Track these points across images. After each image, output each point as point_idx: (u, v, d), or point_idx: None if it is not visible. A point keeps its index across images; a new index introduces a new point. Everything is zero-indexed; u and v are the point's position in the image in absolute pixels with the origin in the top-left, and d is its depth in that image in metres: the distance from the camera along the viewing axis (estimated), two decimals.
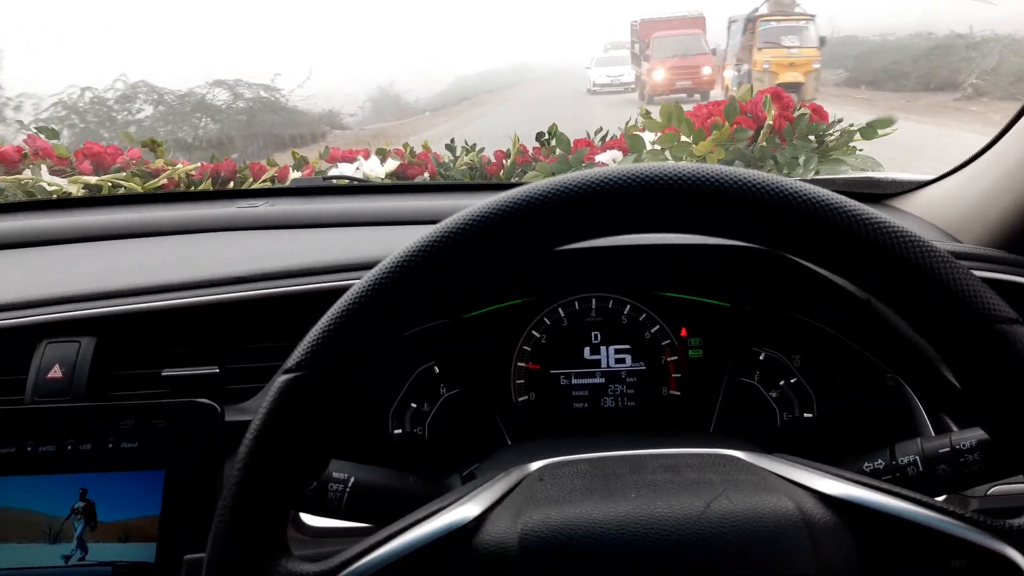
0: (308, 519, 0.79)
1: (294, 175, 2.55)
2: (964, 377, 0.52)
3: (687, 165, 0.52)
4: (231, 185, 2.50)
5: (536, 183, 0.53)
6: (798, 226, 0.51)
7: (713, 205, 0.51)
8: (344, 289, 0.85)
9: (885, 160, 1.62)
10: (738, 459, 0.58)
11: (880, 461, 0.65)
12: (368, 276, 0.53)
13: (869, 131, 1.57)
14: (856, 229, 0.50)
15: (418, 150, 2.66)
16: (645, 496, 0.53)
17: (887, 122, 1.56)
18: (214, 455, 0.73)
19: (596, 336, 0.97)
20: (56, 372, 0.79)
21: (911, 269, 0.50)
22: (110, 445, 0.74)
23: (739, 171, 0.52)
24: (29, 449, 0.74)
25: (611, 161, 2.07)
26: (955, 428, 0.81)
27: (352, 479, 0.65)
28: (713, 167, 0.52)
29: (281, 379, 0.52)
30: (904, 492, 0.52)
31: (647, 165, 0.52)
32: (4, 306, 0.84)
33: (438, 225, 0.53)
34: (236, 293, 0.85)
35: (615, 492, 0.54)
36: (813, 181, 1.32)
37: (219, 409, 0.75)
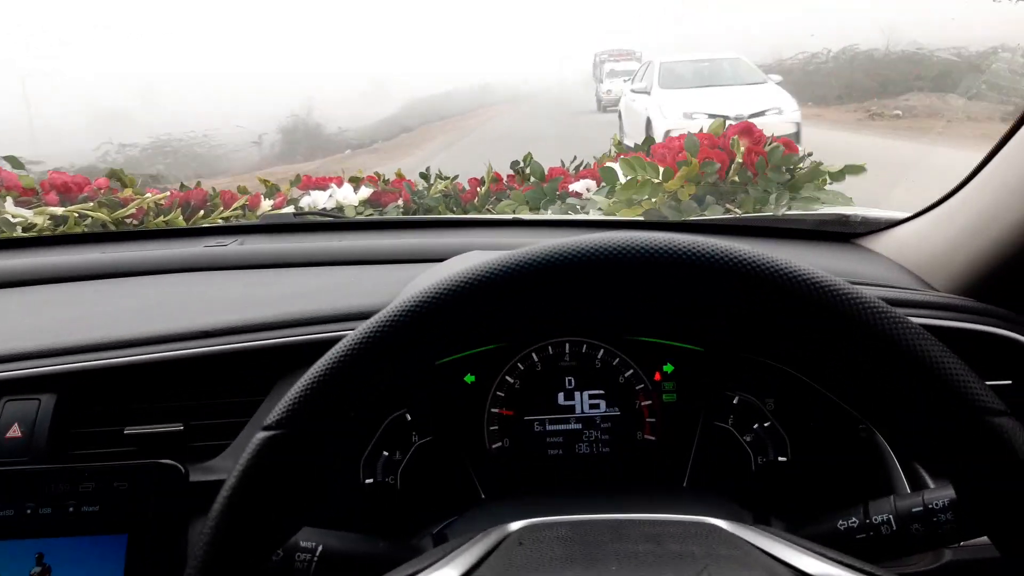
0: None
1: (265, 203, 2.53)
2: (950, 464, 0.53)
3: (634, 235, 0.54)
4: (201, 213, 2.48)
5: (498, 256, 0.55)
6: (793, 309, 0.54)
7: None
8: (314, 344, 0.84)
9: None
10: (721, 530, 0.57)
11: (854, 519, 0.65)
12: (351, 336, 0.54)
13: (839, 176, 1.59)
14: (848, 308, 0.52)
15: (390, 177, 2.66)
16: (627, 568, 0.52)
17: (857, 169, 1.59)
18: (178, 517, 0.72)
19: (570, 381, 0.96)
20: (15, 432, 0.77)
21: (901, 356, 0.51)
22: (71, 509, 0.72)
23: (729, 247, 0.54)
24: None
25: (585, 190, 2.08)
26: (929, 480, 0.81)
27: (320, 547, 0.63)
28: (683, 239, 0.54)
29: (260, 436, 0.52)
30: (882, 574, 0.52)
31: (585, 239, 0.54)
32: None
33: (424, 288, 0.54)
34: (201, 348, 0.83)
35: (596, 561, 0.53)
36: (785, 218, 1.34)
37: (183, 469, 0.73)
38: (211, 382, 0.83)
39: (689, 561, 0.52)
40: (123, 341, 0.83)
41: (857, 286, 0.53)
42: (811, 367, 0.90)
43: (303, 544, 0.63)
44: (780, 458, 0.92)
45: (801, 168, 1.61)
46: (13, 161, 2.45)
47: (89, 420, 0.81)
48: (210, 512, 0.51)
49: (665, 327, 0.96)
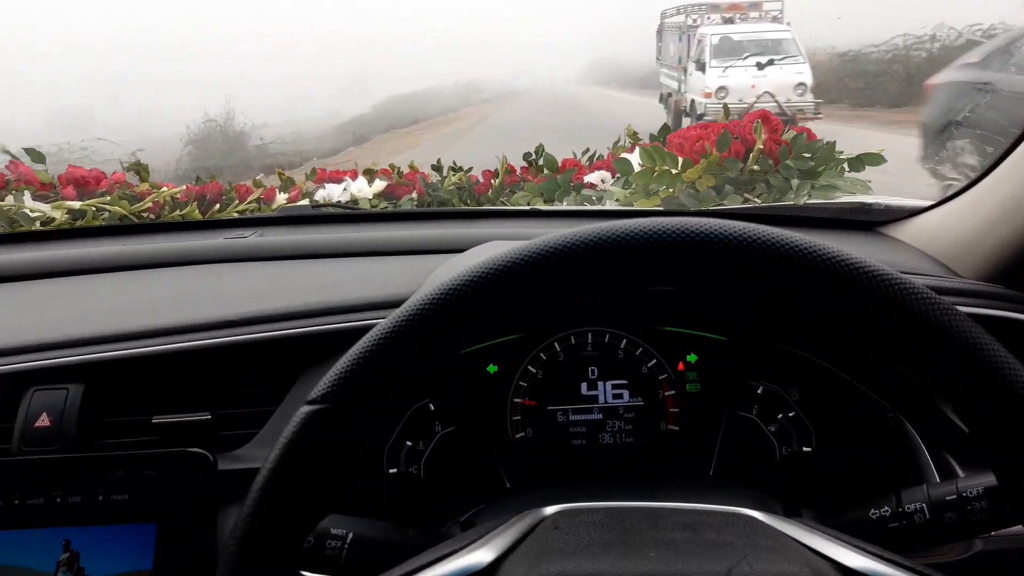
0: None
1: (280, 197, 2.53)
2: (992, 452, 0.53)
3: (672, 221, 0.55)
4: (217, 207, 2.48)
5: (552, 235, 0.55)
6: (829, 290, 0.53)
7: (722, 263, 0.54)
8: (340, 333, 0.84)
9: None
10: (759, 521, 0.57)
11: (887, 508, 0.64)
12: (395, 315, 0.55)
13: (857, 163, 1.58)
14: (893, 297, 0.52)
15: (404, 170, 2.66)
16: (665, 556, 0.52)
17: (877, 158, 1.57)
18: (207, 506, 0.72)
19: (593, 371, 0.96)
20: (44, 421, 0.77)
21: (939, 335, 0.51)
22: (100, 497, 0.72)
23: (759, 230, 0.54)
24: (16, 502, 0.72)
25: (599, 181, 2.07)
26: (958, 469, 0.80)
27: (350, 535, 0.63)
28: (714, 223, 0.54)
29: (305, 410, 0.54)
30: (924, 570, 0.51)
31: (632, 223, 0.55)
32: None
33: (461, 271, 0.55)
34: (227, 338, 0.83)
35: (634, 548, 0.53)
36: (806, 207, 1.33)
37: (212, 458, 0.74)
38: (238, 372, 0.83)
39: (728, 550, 0.52)
40: (149, 331, 0.84)
41: (903, 275, 0.53)
42: (841, 355, 0.89)
43: (334, 531, 0.63)
44: (805, 448, 0.92)
45: (821, 151, 1.59)
46: (33, 154, 2.46)
47: (117, 409, 0.81)
48: (252, 486, 0.53)
49: (689, 317, 0.95)
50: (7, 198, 2.29)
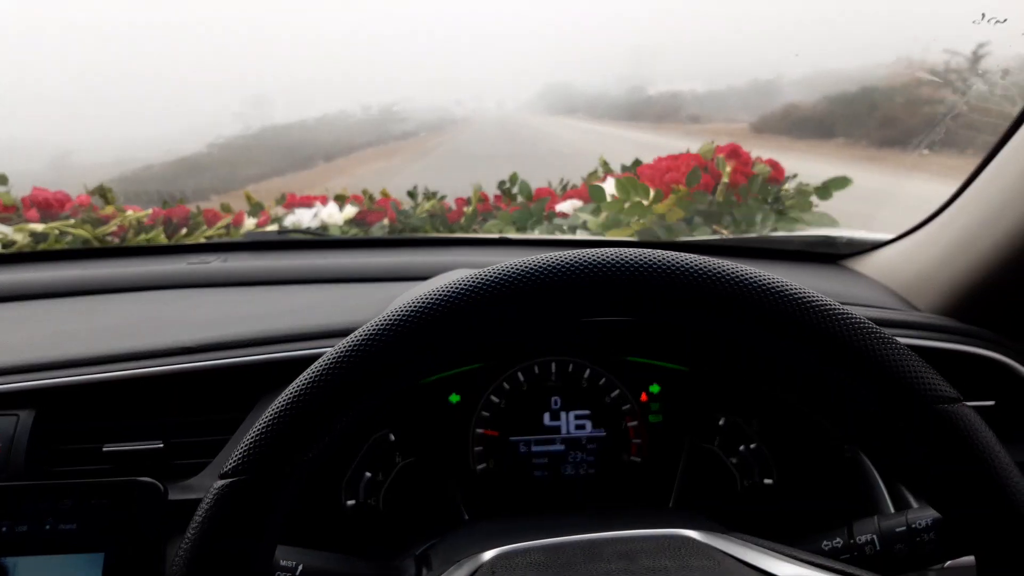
0: None
1: (249, 221, 2.51)
2: (910, 458, 0.52)
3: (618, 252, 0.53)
4: (184, 231, 2.46)
5: (499, 267, 0.53)
6: (752, 316, 0.51)
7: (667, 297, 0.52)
8: (296, 360, 0.83)
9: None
10: (694, 541, 0.58)
11: (838, 540, 0.65)
12: (305, 375, 0.52)
13: (824, 191, 1.61)
14: (797, 311, 0.51)
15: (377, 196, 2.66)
16: None
17: (842, 182, 1.60)
18: (156, 536, 0.70)
19: (556, 401, 0.95)
20: None
21: (853, 351, 0.50)
22: (48, 527, 0.70)
23: (693, 260, 0.53)
24: None
25: (571, 210, 2.08)
26: (913, 501, 0.81)
27: (300, 566, 0.62)
28: (663, 255, 0.53)
29: (219, 484, 0.50)
30: (856, 573, 0.52)
31: (582, 253, 0.53)
32: None
33: (379, 318, 0.52)
34: (181, 365, 0.82)
35: None
36: (771, 239, 1.35)
37: (162, 488, 0.72)
38: (192, 399, 0.82)
39: (662, 575, 0.52)
40: (103, 357, 0.82)
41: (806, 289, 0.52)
42: (785, 383, 0.90)
43: (283, 563, 0.61)
44: (766, 480, 0.92)
45: (787, 191, 1.62)
46: None
47: (68, 437, 0.79)
48: (174, 560, 0.50)
49: (652, 347, 0.96)
50: None
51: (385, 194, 2.68)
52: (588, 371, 0.95)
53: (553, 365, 0.96)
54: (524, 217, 2.16)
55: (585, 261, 0.52)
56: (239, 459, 0.50)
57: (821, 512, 0.81)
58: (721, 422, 0.93)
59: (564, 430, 0.95)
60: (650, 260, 0.52)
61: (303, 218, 2.51)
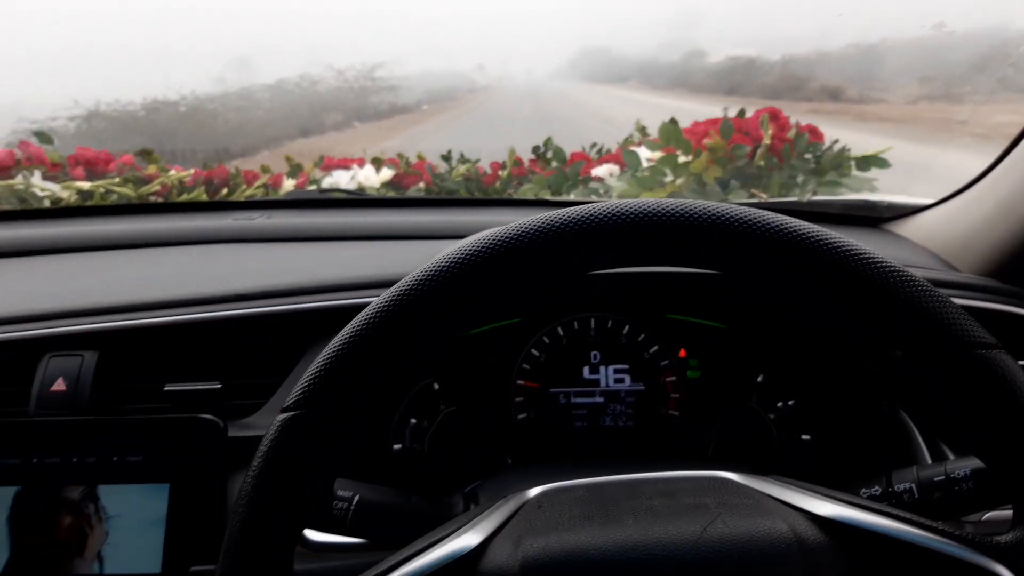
0: (311, 534, 0.79)
1: (288, 183, 2.55)
2: (950, 405, 0.53)
3: (664, 202, 0.55)
4: (224, 192, 2.50)
5: (529, 219, 0.55)
6: (783, 260, 0.52)
7: (683, 240, 0.54)
8: (345, 309, 0.86)
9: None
10: (733, 482, 0.59)
11: (876, 487, 0.66)
12: (365, 311, 0.54)
13: (864, 163, 1.59)
14: (837, 260, 0.52)
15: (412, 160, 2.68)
16: (642, 522, 0.54)
17: (882, 162, 1.59)
18: (218, 470, 0.74)
19: (595, 356, 0.98)
20: (60, 385, 0.79)
21: (892, 298, 0.51)
22: (115, 458, 0.74)
23: (716, 205, 0.54)
24: (35, 461, 0.74)
25: (607, 175, 2.09)
26: (951, 455, 0.82)
27: (357, 497, 0.65)
28: (679, 202, 0.55)
29: (280, 417, 0.53)
30: (895, 512, 0.53)
31: (640, 202, 0.54)
32: (8, 319, 0.84)
33: (433, 260, 0.54)
34: (238, 310, 0.85)
35: (613, 518, 0.55)
36: (812, 203, 1.35)
37: (222, 424, 0.76)
38: (247, 343, 0.85)
39: (703, 512, 0.54)
40: (162, 302, 0.86)
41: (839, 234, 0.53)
42: (837, 342, 0.91)
43: (340, 493, 0.65)
44: (804, 436, 0.94)
45: (828, 156, 1.60)
46: (42, 136, 2.48)
47: (130, 377, 0.83)
48: (240, 489, 0.53)
49: (691, 305, 0.97)
50: (17, 177, 2.31)
51: (421, 157, 2.69)
52: (627, 327, 0.97)
53: (592, 321, 0.97)
54: (559, 181, 2.17)
55: (648, 209, 0.53)
56: (299, 394, 0.53)
57: (859, 466, 0.83)
58: (759, 379, 0.94)
59: (603, 383, 0.97)
60: (694, 208, 0.54)
61: (340, 180, 2.54)
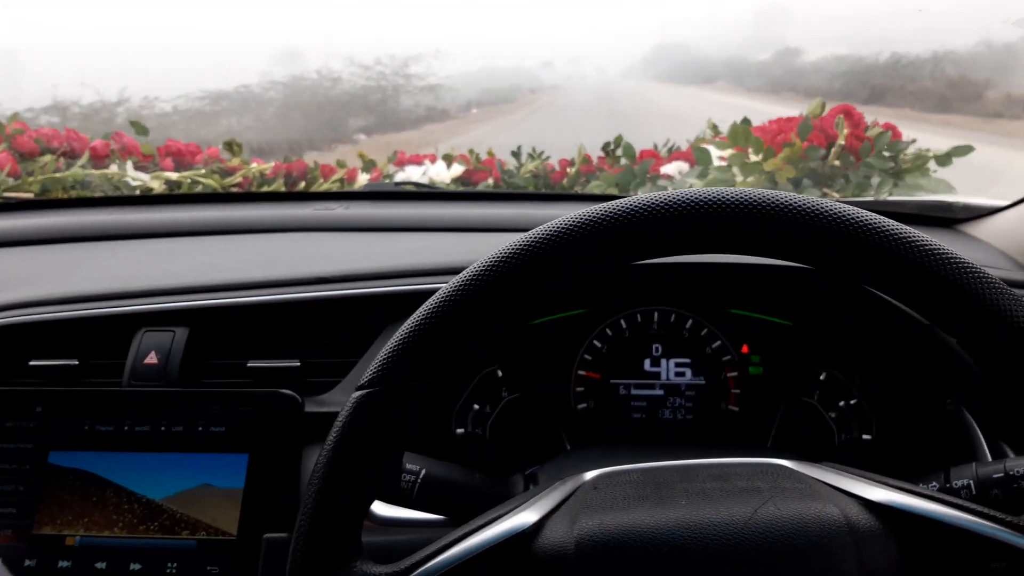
0: (378, 508, 0.83)
1: (362, 177, 2.63)
2: (1012, 400, 0.53)
3: (761, 192, 0.55)
4: (302, 185, 2.60)
5: (612, 203, 0.56)
6: (853, 252, 0.53)
7: (766, 230, 0.54)
8: (420, 293, 0.90)
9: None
10: (786, 468, 0.60)
11: (934, 483, 0.66)
12: (437, 296, 0.57)
13: (945, 159, 1.55)
14: (908, 255, 0.52)
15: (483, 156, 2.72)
16: (695, 503, 0.55)
17: (964, 149, 1.54)
18: (294, 443, 0.78)
19: (657, 349, 0.99)
20: (152, 359, 0.85)
21: (967, 297, 0.51)
22: (200, 428, 0.80)
23: (802, 198, 0.55)
24: (126, 428, 0.80)
25: (677, 173, 2.08)
26: (1010, 453, 0.80)
27: (423, 471, 0.69)
28: (778, 194, 0.55)
29: (356, 395, 0.56)
30: (945, 498, 0.53)
31: (728, 190, 0.55)
32: (106, 295, 0.91)
33: (505, 245, 0.56)
34: (319, 292, 0.90)
35: (666, 500, 0.56)
36: (885, 203, 1.33)
37: (300, 400, 0.80)
38: (326, 324, 0.90)
39: (755, 495, 0.55)
40: (248, 283, 0.91)
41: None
42: (902, 341, 0.90)
43: (408, 467, 0.68)
44: (864, 436, 0.93)
45: (905, 155, 1.57)
46: (138, 127, 2.62)
47: (216, 352, 0.89)
48: (316, 462, 0.56)
49: (755, 300, 0.97)
50: (111, 166, 2.45)
51: (491, 153, 2.73)
52: (690, 322, 0.98)
53: (655, 314, 0.99)
54: (628, 178, 2.17)
55: (731, 196, 0.54)
56: (374, 373, 0.56)
57: (918, 464, 0.82)
58: (822, 376, 0.94)
59: (664, 376, 0.98)
60: (773, 199, 0.54)
61: (412, 175, 2.60)
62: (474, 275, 0.56)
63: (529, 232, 0.56)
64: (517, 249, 0.56)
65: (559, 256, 0.55)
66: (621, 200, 0.57)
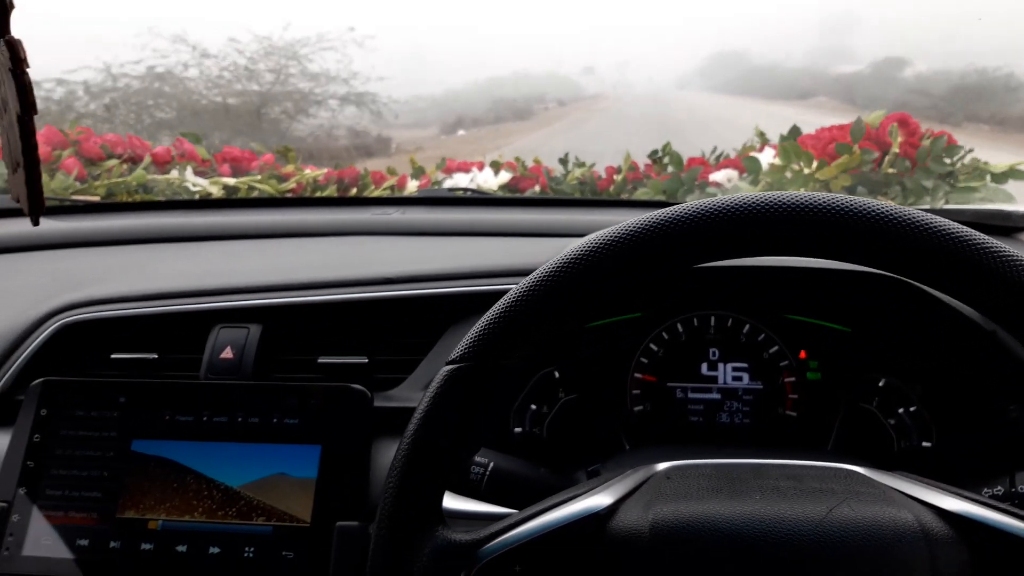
0: (446, 502, 0.85)
1: (412, 184, 2.68)
2: None
3: (818, 195, 0.55)
4: (354, 191, 2.66)
5: (693, 203, 0.57)
6: (910, 252, 0.53)
7: (826, 232, 0.54)
8: (482, 295, 0.92)
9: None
10: (859, 474, 0.61)
11: (999, 488, 0.66)
12: (529, 278, 0.59)
13: (1001, 176, 1.53)
14: (963, 253, 0.52)
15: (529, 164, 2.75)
16: (769, 499, 0.56)
17: (1022, 173, 1.52)
18: (364, 434, 0.81)
19: (714, 353, 1.00)
20: (228, 353, 0.89)
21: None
22: (274, 420, 0.83)
23: (864, 201, 0.55)
24: (205, 419, 0.84)
25: (725, 180, 2.09)
26: None
27: (491, 464, 0.71)
28: (838, 197, 0.55)
29: (446, 368, 0.59)
30: (1019, 512, 0.54)
31: (790, 193, 0.55)
32: (185, 293, 0.95)
33: (598, 234, 0.58)
34: (386, 292, 0.93)
35: (740, 494, 0.57)
36: (942, 211, 1.32)
37: (369, 395, 0.83)
38: (394, 322, 0.93)
39: (829, 496, 0.56)
40: (319, 282, 0.95)
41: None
42: (964, 347, 0.90)
43: (477, 459, 0.71)
44: (924, 443, 0.93)
45: (962, 163, 1.55)
46: (192, 137, 2.72)
47: (288, 349, 0.92)
48: (406, 431, 0.58)
49: (813, 306, 0.98)
50: (172, 172, 2.54)
51: (537, 161, 2.76)
52: (747, 326, 0.99)
53: (712, 319, 1.00)
54: (675, 186, 2.18)
55: (791, 200, 0.55)
56: (465, 349, 0.59)
57: (977, 465, 0.82)
58: (881, 383, 0.94)
59: (721, 380, 0.99)
60: (840, 203, 0.54)
61: (460, 182, 2.64)
62: (562, 264, 0.58)
63: (618, 225, 0.58)
64: (606, 241, 0.57)
65: (644, 251, 0.56)
66: (717, 199, 0.57)
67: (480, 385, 0.58)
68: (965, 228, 0.53)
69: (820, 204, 0.55)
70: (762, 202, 0.55)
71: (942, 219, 0.54)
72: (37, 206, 0.64)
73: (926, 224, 0.53)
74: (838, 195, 0.56)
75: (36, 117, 0.61)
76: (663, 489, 0.59)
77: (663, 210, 0.57)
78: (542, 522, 0.57)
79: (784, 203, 0.55)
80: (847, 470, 0.61)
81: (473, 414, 0.59)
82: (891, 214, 0.53)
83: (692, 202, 0.57)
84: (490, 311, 0.59)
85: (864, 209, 0.54)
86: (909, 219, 0.53)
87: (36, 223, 0.68)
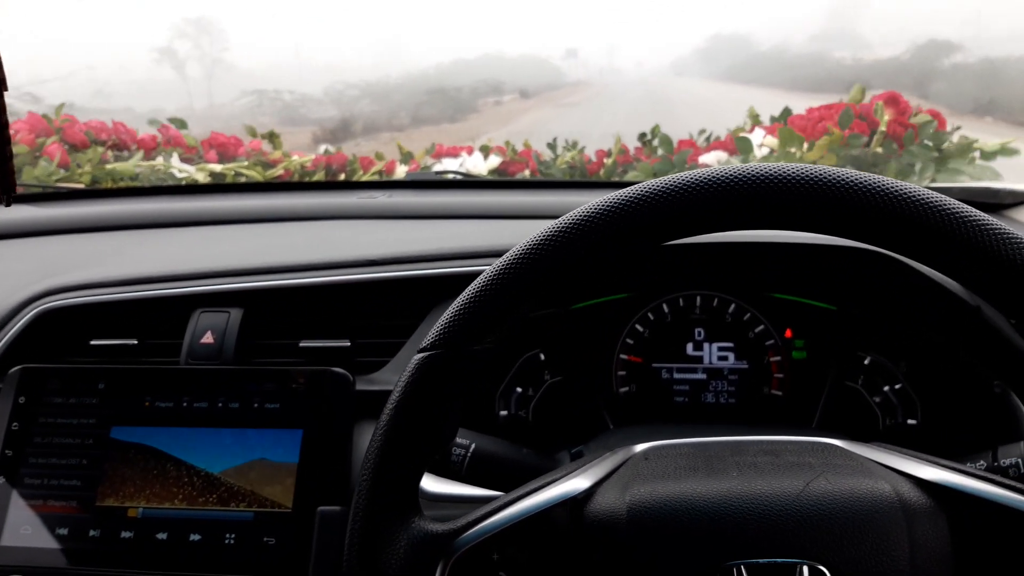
0: (427, 485, 0.85)
1: (400, 169, 2.66)
2: None
3: (795, 166, 0.53)
4: (342, 176, 2.64)
5: (662, 178, 0.56)
6: (899, 225, 0.52)
7: (809, 204, 0.53)
8: (466, 275, 0.91)
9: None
10: (836, 446, 0.61)
11: (982, 462, 0.66)
12: (498, 263, 0.58)
13: (990, 155, 1.52)
14: (955, 228, 0.51)
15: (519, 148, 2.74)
16: (746, 475, 0.56)
17: (1012, 151, 1.52)
18: (346, 418, 0.81)
19: (699, 333, 0.99)
20: (208, 338, 0.88)
21: (1013, 270, 0.50)
22: (255, 404, 0.82)
23: (847, 172, 0.54)
24: (185, 405, 0.83)
25: (715, 162, 2.08)
26: None
27: (473, 445, 0.71)
28: (814, 167, 0.54)
29: (418, 356, 0.58)
30: (995, 477, 0.54)
31: (764, 165, 0.54)
32: (165, 277, 0.94)
33: (564, 217, 0.57)
34: (368, 274, 0.92)
35: (717, 471, 0.57)
36: (930, 188, 1.31)
37: (351, 378, 0.82)
38: (376, 305, 0.92)
39: (806, 470, 0.56)
40: (299, 265, 0.94)
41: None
42: (949, 324, 0.90)
43: (458, 440, 0.70)
44: (909, 420, 0.93)
45: (950, 144, 1.55)
46: (177, 122, 2.69)
47: (269, 333, 0.91)
48: (378, 421, 0.58)
49: (798, 285, 0.97)
50: (157, 158, 2.52)
51: (527, 145, 2.75)
52: (733, 306, 0.99)
53: (698, 299, 0.99)
54: (665, 168, 2.17)
55: (782, 172, 0.53)
56: (435, 336, 0.58)
57: (961, 440, 0.82)
58: (866, 361, 0.94)
59: (706, 360, 0.99)
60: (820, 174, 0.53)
61: (449, 167, 2.63)
62: (532, 245, 0.56)
63: (591, 203, 0.56)
64: (578, 219, 0.56)
65: (620, 226, 0.55)
66: (694, 172, 0.56)
67: (452, 372, 0.57)
68: (956, 202, 0.52)
69: (809, 175, 0.53)
70: (749, 174, 0.54)
71: (933, 192, 0.53)
72: (8, 185, 0.63)
73: (916, 196, 0.52)
74: (825, 167, 0.55)
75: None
76: (640, 470, 0.59)
77: (637, 185, 0.56)
78: (519, 509, 0.57)
79: (771, 175, 0.53)
80: (824, 443, 0.61)
81: (447, 402, 0.58)
82: (880, 186, 0.52)
83: (668, 176, 0.56)
84: (460, 297, 0.58)
85: (852, 181, 0.53)
86: (898, 192, 0.52)
87: (7, 203, 0.67)
